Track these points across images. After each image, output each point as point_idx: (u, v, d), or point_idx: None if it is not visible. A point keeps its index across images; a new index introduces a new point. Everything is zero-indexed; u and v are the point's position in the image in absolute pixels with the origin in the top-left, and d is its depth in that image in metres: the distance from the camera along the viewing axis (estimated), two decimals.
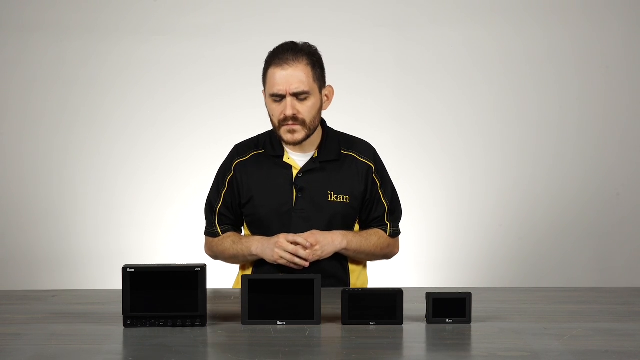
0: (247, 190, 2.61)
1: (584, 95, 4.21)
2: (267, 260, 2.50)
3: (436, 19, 4.21)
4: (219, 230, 2.64)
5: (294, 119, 2.49)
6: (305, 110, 2.50)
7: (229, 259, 2.64)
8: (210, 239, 2.67)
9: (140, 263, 2.00)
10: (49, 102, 4.21)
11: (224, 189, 2.64)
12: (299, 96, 2.49)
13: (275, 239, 2.49)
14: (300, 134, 2.52)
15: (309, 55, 2.52)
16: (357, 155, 2.63)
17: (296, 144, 2.54)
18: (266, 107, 2.57)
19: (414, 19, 4.21)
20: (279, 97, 2.49)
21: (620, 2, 4.19)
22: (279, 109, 2.51)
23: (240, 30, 4.20)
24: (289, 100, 2.48)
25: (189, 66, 4.22)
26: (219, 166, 2.71)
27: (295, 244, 2.46)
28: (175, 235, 4.20)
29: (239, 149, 2.68)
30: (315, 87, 2.52)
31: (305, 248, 2.46)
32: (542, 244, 4.24)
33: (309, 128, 2.53)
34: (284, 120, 2.50)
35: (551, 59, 4.20)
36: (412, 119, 4.24)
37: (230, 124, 4.10)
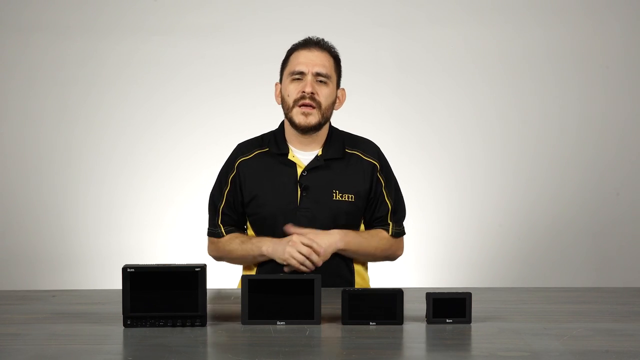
0: (250, 189, 2.60)
1: (584, 95, 4.21)
2: (277, 260, 2.49)
3: (436, 19, 4.21)
4: (223, 231, 2.62)
5: (312, 99, 2.51)
6: (323, 94, 2.53)
7: (236, 259, 2.61)
8: (215, 239, 2.65)
9: (140, 263, 2.00)
10: (49, 102, 4.21)
11: (226, 188, 2.63)
12: (319, 78, 2.52)
13: (288, 238, 2.47)
14: (314, 118, 2.53)
15: (332, 52, 2.60)
16: (361, 154, 2.63)
17: (309, 128, 2.54)
18: (279, 96, 2.59)
19: (414, 19, 4.21)
20: (300, 75, 2.52)
21: (620, 2, 4.18)
22: (298, 88, 2.53)
23: (240, 30, 4.20)
24: (309, 78, 2.52)
25: (189, 66, 4.22)
26: (220, 166, 2.70)
27: (309, 247, 2.45)
28: (175, 235, 4.20)
29: (242, 148, 2.67)
30: (334, 78, 2.58)
31: (318, 253, 2.45)
32: (542, 243, 4.23)
33: (323, 115, 2.54)
34: (301, 99, 2.51)
35: (551, 59, 4.20)
36: (412, 118, 4.24)
37: (230, 124, 4.10)
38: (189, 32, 4.20)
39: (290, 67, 2.55)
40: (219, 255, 2.67)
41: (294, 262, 2.45)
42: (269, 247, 2.51)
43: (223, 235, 2.63)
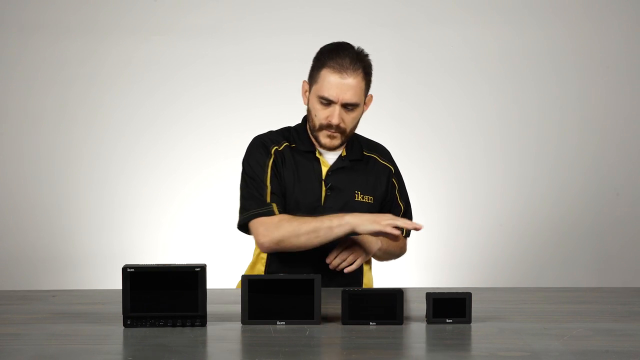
0: (282, 180, 2.56)
1: (584, 95, 4.21)
2: (364, 228, 2.34)
3: (436, 19, 4.21)
4: (275, 209, 2.46)
5: (337, 127, 2.50)
6: (349, 120, 2.51)
7: (304, 235, 2.38)
8: (267, 219, 2.43)
9: (140, 263, 2.00)
10: (49, 102, 4.21)
11: (266, 174, 2.53)
12: (347, 106, 2.49)
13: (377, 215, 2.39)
14: (337, 141, 2.54)
15: (365, 68, 2.51)
16: (378, 157, 2.66)
17: (333, 149, 2.56)
18: (307, 100, 2.56)
19: (414, 19, 4.21)
20: (328, 102, 2.48)
21: (620, 2, 4.19)
22: (325, 114, 2.49)
23: (240, 30, 4.20)
24: (337, 108, 2.47)
25: (189, 66, 4.22)
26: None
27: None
28: (176, 235, 4.20)
29: (272, 137, 2.59)
30: (363, 100, 2.54)
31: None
32: (542, 244, 4.23)
33: (347, 136, 2.55)
34: (328, 127, 2.50)
35: (551, 59, 4.20)
36: (412, 119, 4.24)
37: (231, 124, 4.10)
38: (189, 32, 4.20)
39: (319, 88, 2.49)
40: (278, 238, 2.41)
41: (388, 229, 2.32)
42: (353, 216, 2.37)
43: (276, 213, 2.45)
